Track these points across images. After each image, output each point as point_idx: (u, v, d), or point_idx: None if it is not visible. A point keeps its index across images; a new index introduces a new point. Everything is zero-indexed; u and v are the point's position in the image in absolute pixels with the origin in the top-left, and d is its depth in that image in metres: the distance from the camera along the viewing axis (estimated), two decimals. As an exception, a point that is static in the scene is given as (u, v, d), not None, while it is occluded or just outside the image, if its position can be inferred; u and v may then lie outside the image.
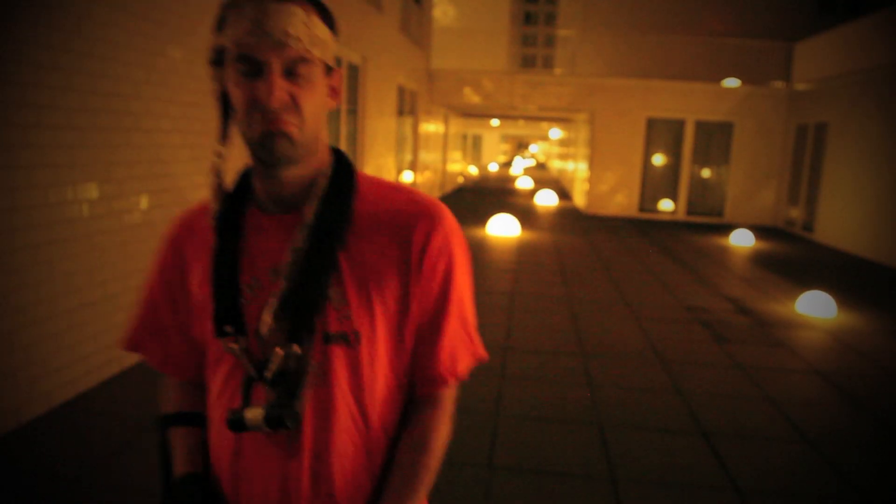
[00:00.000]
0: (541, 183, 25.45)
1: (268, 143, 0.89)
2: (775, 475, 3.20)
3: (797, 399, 4.21)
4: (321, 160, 0.99)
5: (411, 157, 13.83)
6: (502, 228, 10.94)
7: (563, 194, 20.62)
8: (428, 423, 1.00)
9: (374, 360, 0.96)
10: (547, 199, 17.45)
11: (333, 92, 0.97)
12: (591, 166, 15.31)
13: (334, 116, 8.17)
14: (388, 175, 11.17)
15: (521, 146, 66.20)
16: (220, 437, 1.00)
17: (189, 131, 4.66)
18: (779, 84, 14.17)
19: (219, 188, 0.99)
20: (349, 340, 0.94)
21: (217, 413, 1.00)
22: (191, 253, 1.03)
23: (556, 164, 35.39)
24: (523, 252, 9.41)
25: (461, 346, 1.02)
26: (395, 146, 11.72)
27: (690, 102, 14.56)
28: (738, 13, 15.42)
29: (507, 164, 49.87)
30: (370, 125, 9.69)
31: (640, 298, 6.81)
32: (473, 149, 37.38)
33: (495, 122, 31.74)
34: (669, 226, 13.80)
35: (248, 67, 0.87)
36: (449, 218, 1.00)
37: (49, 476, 2.83)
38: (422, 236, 0.96)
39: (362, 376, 0.95)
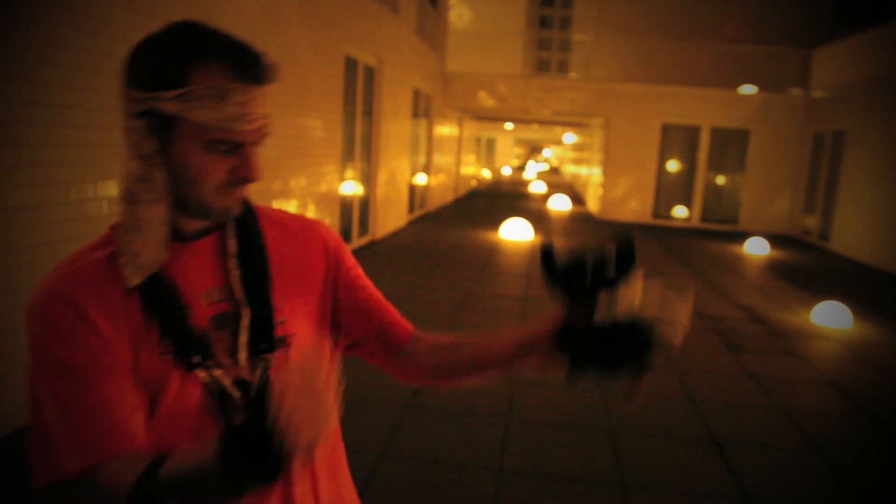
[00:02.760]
0: (554, 187, 25.41)
1: (232, 210, 0.94)
2: (786, 485, 3.18)
3: (810, 410, 4.18)
4: None
5: (425, 159, 13.87)
6: (515, 233, 10.94)
7: (577, 199, 20.57)
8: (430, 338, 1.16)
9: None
10: (560, 204, 17.41)
11: None
12: (605, 171, 15.28)
13: (350, 118, 8.21)
14: (402, 178, 11.21)
15: (534, 150, 66.09)
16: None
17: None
18: (796, 91, 14.08)
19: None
20: (287, 342, 1.00)
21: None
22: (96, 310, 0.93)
23: (569, 169, 35.32)
24: (536, 256, 9.40)
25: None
26: (409, 148, 11.76)
27: (706, 109, 14.49)
28: (755, 19, 15.33)
29: (521, 168, 49.81)
30: (385, 127, 9.73)
31: (653, 305, 6.78)
32: (487, 152, 37.32)
33: (509, 125, 31.72)
34: (683, 232, 13.73)
35: (228, 146, 0.89)
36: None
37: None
38: (328, 240, 1.10)
39: None
